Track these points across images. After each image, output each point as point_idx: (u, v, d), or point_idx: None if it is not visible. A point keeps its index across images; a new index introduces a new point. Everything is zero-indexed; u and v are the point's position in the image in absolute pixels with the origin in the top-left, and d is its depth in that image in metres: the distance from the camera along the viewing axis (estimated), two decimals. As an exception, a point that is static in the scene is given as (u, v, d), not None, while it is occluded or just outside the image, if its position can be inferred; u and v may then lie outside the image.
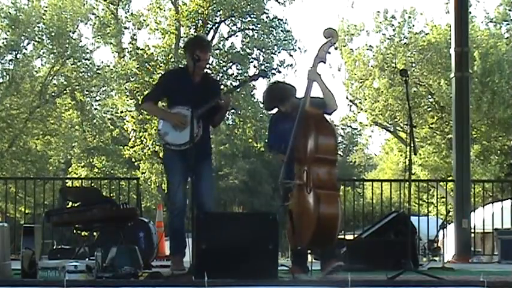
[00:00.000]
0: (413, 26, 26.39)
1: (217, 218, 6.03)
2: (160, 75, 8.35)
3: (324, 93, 6.20)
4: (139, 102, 8.44)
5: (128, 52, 26.09)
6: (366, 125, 28.29)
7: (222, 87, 8.34)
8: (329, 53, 6.16)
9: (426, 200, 23.24)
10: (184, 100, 6.36)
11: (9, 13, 25.61)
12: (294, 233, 5.85)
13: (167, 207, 6.74)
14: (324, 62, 6.15)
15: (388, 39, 26.31)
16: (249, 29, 26.63)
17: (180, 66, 6.56)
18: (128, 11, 26.84)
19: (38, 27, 26.24)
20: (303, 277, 5.91)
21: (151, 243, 7.83)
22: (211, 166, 6.93)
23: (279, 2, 26.54)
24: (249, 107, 25.21)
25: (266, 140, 7.41)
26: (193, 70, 6.45)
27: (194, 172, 6.02)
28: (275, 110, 6.62)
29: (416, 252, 8.35)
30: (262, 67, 25.81)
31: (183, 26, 25.92)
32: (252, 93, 26.31)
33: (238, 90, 21.15)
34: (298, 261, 6.25)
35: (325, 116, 6.16)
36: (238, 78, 25.97)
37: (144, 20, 26.25)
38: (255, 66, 26.39)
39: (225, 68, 25.96)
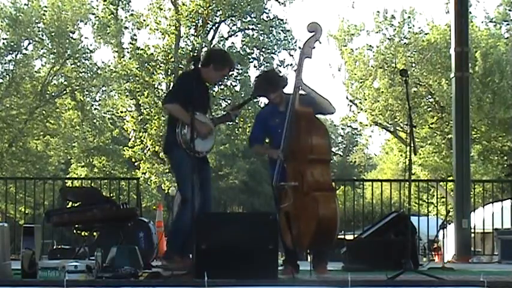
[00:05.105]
0: (413, 26, 26.42)
1: (217, 218, 6.04)
2: (180, 76, 8.26)
3: (317, 100, 6.18)
4: (162, 102, 8.32)
5: (127, 52, 26.10)
6: (366, 125, 28.29)
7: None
8: (314, 47, 6.13)
9: (426, 200, 23.26)
10: (196, 105, 6.27)
11: (10, 13, 25.61)
12: (291, 234, 5.84)
13: (182, 206, 6.62)
14: (310, 58, 6.13)
15: (388, 39, 26.31)
16: (249, 29, 26.65)
17: (191, 69, 6.47)
18: (128, 11, 26.85)
19: (38, 27, 26.25)
20: (302, 277, 5.92)
21: (151, 243, 7.83)
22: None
23: (279, 2, 26.58)
24: (249, 107, 25.21)
25: (249, 133, 7.28)
26: (212, 81, 6.88)
27: (200, 175, 6.08)
28: (265, 102, 6.63)
29: (417, 252, 8.34)
30: (262, 67, 25.87)
31: (183, 26, 25.93)
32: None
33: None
34: (290, 260, 6.26)
35: (316, 115, 6.15)
36: (239, 78, 26.02)
37: (144, 20, 26.26)
38: (255, 66, 26.45)
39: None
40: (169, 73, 25.50)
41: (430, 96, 26.07)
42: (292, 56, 26.55)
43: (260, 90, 6.49)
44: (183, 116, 6.35)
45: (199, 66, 6.59)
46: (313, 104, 6.14)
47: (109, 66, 26.65)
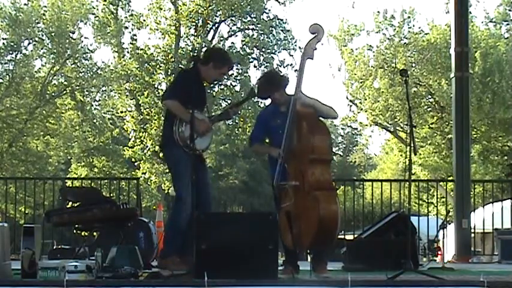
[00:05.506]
0: (413, 26, 26.43)
1: (217, 218, 6.03)
2: (180, 73, 8.18)
3: (320, 109, 6.20)
4: (161, 98, 8.30)
5: (127, 52, 26.09)
6: (366, 125, 28.28)
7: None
8: (315, 49, 6.14)
9: (426, 200, 23.26)
10: (195, 103, 6.28)
11: (10, 13, 25.60)
12: (291, 234, 5.84)
13: (175, 204, 6.58)
14: (312, 59, 6.14)
15: (388, 39, 26.30)
16: (249, 29, 26.64)
17: (190, 67, 6.46)
18: (128, 11, 26.83)
19: (38, 27, 26.23)
20: (302, 277, 5.92)
21: (151, 243, 7.84)
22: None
23: (279, 2, 26.56)
24: (249, 107, 25.23)
25: (250, 133, 7.32)
26: (210, 79, 6.80)
27: (197, 175, 6.06)
28: (267, 102, 6.62)
29: (417, 252, 8.34)
30: (262, 67, 25.87)
31: (183, 26, 25.93)
32: (251, 93, 26.28)
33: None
34: (291, 260, 6.26)
35: (318, 115, 6.16)
36: (239, 78, 26.00)
37: (144, 20, 26.24)
38: (255, 66, 26.43)
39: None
40: (169, 73, 25.49)
41: (430, 96, 26.06)
42: (292, 56, 26.56)
43: (263, 91, 6.49)
44: (182, 113, 6.33)
45: (199, 64, 6.61)
46: (315, 108, 6.15)
47: (109, 66, 26.64)
